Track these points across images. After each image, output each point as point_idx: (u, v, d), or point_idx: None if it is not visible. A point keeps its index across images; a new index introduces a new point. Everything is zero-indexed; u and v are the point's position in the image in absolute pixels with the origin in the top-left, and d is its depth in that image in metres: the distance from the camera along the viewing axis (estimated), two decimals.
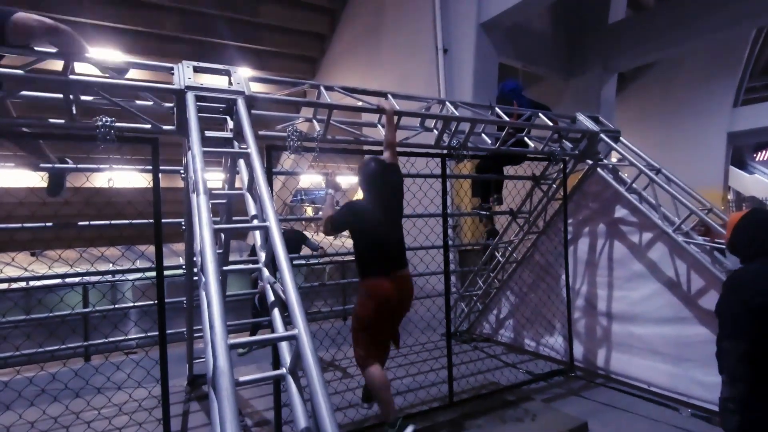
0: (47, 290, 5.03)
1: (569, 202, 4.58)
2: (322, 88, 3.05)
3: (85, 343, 4.75)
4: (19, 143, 2.65)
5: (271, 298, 1.88)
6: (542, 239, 4.95)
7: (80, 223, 3.03)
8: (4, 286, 4.72)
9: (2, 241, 9.23)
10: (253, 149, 2.24)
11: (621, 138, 4.29)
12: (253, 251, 5.43)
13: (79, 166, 2.80)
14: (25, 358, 4.09)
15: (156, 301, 2.68)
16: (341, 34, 11.95)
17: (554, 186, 4.71)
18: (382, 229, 2.84)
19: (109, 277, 5.39)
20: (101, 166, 2.96)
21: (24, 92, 2.24)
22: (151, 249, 2.91)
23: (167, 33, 10.77)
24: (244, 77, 2.71)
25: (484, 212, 4.93)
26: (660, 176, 4.00)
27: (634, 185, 4.11)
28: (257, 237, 2.16)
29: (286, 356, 1.68)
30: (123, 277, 5.33)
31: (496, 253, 5.49)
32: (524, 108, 4.23)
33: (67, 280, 4.62)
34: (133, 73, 2.51)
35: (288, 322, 1.73)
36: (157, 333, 2.73)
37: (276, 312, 1.82)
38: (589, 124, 4.22)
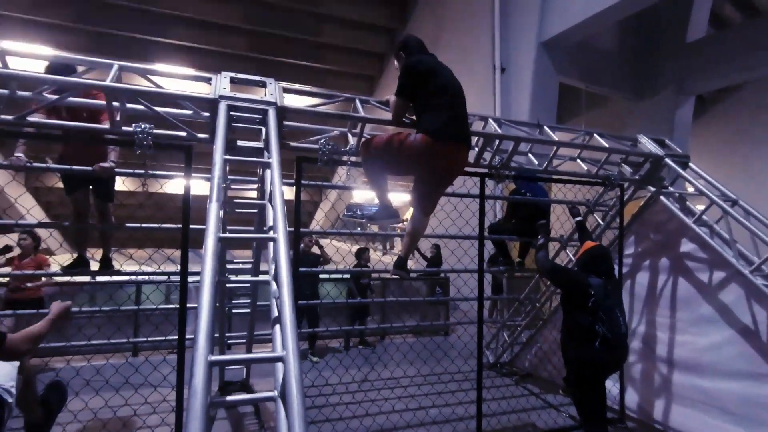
0: (99, 287, 5.38)
1: (628, 231, 4.17)
2: (357, 101, 3.00)
3: (131, 340, 4.95)
4: None
5: (275, 313, 1.79)
6: None
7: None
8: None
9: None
10: (275, 159, 2.21)
11: (690, 164, 3.84)
12: None
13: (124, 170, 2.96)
14: (75, 350, 4.34)
15: (178, 306, 2.70)
16: None
17: (611, 213, 4.31)
18: (449, 92, 2.76)
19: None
20: (137, 171, 3.09)
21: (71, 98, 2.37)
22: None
23: (236, 52, 11.49)
24: (279, 89, 2.73)
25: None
26: (736, 209, 3.51)
27: (704, 217, 3.64)
28: (270, 249, 2.10)
29: (279, 377, 1.57)
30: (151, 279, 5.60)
31: (542, 282, 5.10)
32: (539, 197, 4.26)
33: (117, 278, 4.85)
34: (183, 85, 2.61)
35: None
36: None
37: (276, 329, 1.73)
38: (652, 147, 3.82)
